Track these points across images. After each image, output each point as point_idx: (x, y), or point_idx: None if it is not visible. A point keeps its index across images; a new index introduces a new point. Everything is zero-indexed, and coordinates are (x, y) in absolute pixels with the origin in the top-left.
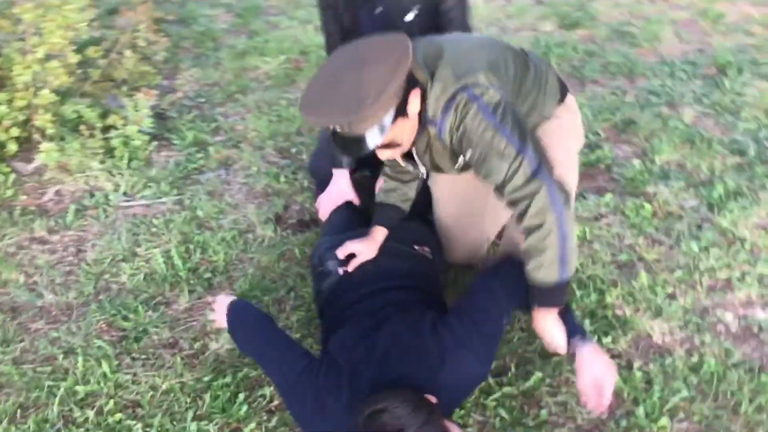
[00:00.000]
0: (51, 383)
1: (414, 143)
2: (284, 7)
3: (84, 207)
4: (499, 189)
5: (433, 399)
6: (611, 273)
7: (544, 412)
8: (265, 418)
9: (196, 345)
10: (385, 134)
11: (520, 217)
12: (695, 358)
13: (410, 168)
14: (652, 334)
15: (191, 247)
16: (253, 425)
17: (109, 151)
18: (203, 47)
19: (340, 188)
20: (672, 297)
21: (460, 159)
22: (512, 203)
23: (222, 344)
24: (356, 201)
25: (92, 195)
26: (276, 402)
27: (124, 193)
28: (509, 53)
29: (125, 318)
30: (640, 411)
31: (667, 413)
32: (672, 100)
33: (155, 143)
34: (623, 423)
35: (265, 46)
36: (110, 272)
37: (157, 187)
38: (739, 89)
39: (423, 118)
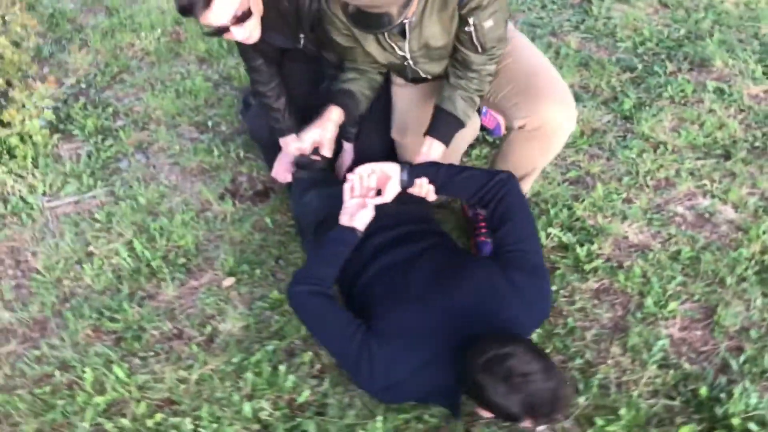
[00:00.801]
0: (61, 402)
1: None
2: None
3: (0, 215)
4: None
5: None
6: (569, 189)
7: (570, 320)
8: (315, 383)
9: (206, 330)
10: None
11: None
12: (672, 248)
13: (396, 48)
14: (627, 235)
15: (152, 235)
16: (307, 393)
17: (9, 152)
18: (60, 30)
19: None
20: (628, 201)
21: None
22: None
23: (232, 324)
24: (317, 158)
25: (5, 201)
26: (319, 365)
27: (44, 194)
28: None
29: (112, 319)
30: (649, 301)
31: (671, 298)
32: (554, 30)
33: (57, 136)
34: (638, 315)
35: (132, 22)
36: (68, 277)
37: (78, 181)
38: (606, 14)
39: None
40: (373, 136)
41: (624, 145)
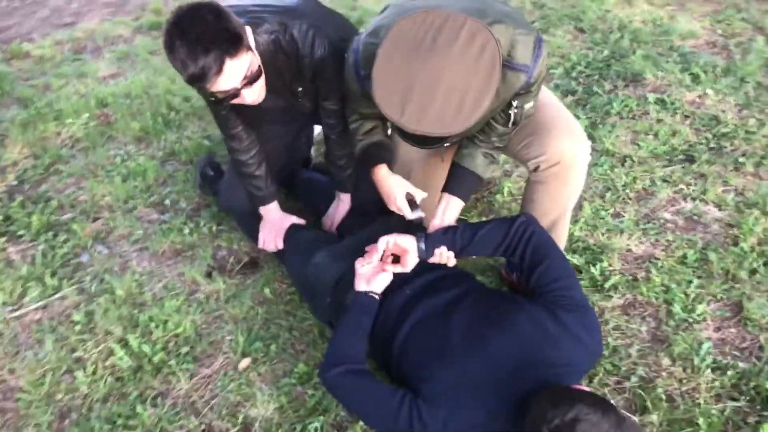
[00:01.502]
0: None
1: None
2: (38, 69)
3: None
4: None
5: (585, 388)
6: None
7: (609, 340)
8: None
9: (238, 420)
10: None
11: None
12: (677, 253)
13: None
14: (630, 247)
15: (145, 327)
16: None
17: None
18: None
19: (277, 217)
20: (617, 215)
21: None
22: None
23: (264, 408)
24: (302, 221)
25: None
26: None
27: (4, 304)
28: None
29: (127, 427)
30: (677, 308)
31: (695, 301)
32: None
33: (2, 240)
34: (671, 323)
35: (52, 110)
36: (60, 390)
37: (40, 284)
38: None
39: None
40: (368, 184)
41: (594, 163)
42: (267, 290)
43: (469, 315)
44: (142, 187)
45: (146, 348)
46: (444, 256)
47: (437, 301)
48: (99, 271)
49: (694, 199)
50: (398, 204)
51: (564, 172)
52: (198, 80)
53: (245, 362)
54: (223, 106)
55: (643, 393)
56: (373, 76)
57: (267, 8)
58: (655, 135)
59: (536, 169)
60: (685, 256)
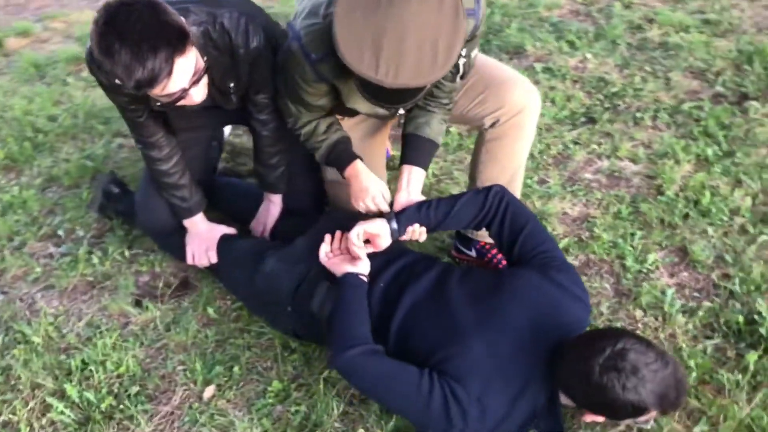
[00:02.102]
0: None
1: None
2: None
3: None
4: None
5: None
6: None
7: None
8: None
9: None
10: None
11: None
12: (612, 209)
13: None
14: (566, 210)
15: (80, 373)
16: None
17: None
18: None
19: (204, 228)
20: (543, 182)
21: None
22: None
23: None
24: (232, 230)
25: None
26: None
27: None
28: None
29: None
30: (629, 262)
31: (644, 252)
32: None
33: None
34: (629, 276)
35: None
36: None
37: None
38: None
39: None
40: (300, 182)
41: None
42: (210, 310)
43: (465, 291)
44: (26, 221)
45: (89, 395)
46: (417, 232)
47: (422, 286)
48: (1, 320)
49: (608, 157)
50: (377, 201)
51: (524, 121)
52: (147, 85)
53: (210, 390)
54: (140, 113)
55: None
56: (337, 38)
57: None
58: (552, 102)
59: (494, 124)
60: (619, 212)
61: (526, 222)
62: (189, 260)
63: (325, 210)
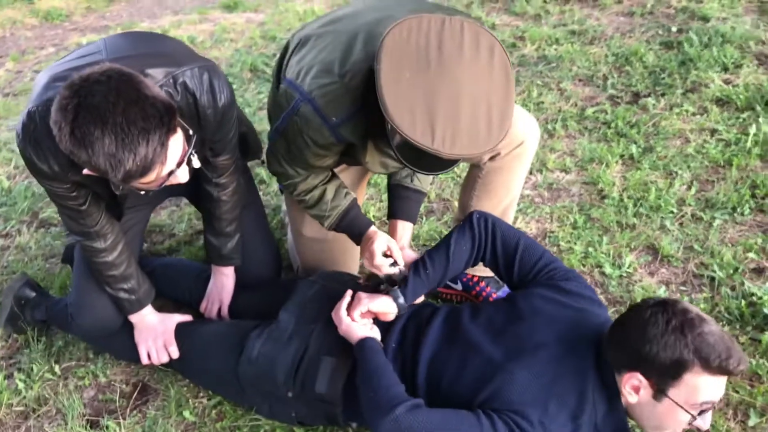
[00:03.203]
0: None
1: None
2: None
3: None
4: None
5: None
6: (436, 225)
7: None
8: None
9: None
10: None
11: None
12: (567, 221)
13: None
14: (524, 229)
15: None
16: None
17: None
18: None
19: (157, 320)
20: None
21: None
22: None
23: None
24: (187, 317)
25: None
26: None
27: None
28: None
29: None
30: (608, 269)
31: (617, 256)
32: None
33: None
34: (613, 282)
35: None
36: None
37: None
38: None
39: None
40: (252, 249)
41: None
42: (186, 413)
43: (483, 329)
44: None
45: None
46: (420, 299)
47: (434, 336)
48: None
49: (539, 171)
50: (377, 263)
51: (523, 152)
52: (138, 176)
53: None
54: (83, 200)
55: None
56: (386, 101)
57: (134, 58)
58: None
59: (494, 157)
60: (575, 222)
61: (517, 239)
62: (144, 360)
63: (281, 276)
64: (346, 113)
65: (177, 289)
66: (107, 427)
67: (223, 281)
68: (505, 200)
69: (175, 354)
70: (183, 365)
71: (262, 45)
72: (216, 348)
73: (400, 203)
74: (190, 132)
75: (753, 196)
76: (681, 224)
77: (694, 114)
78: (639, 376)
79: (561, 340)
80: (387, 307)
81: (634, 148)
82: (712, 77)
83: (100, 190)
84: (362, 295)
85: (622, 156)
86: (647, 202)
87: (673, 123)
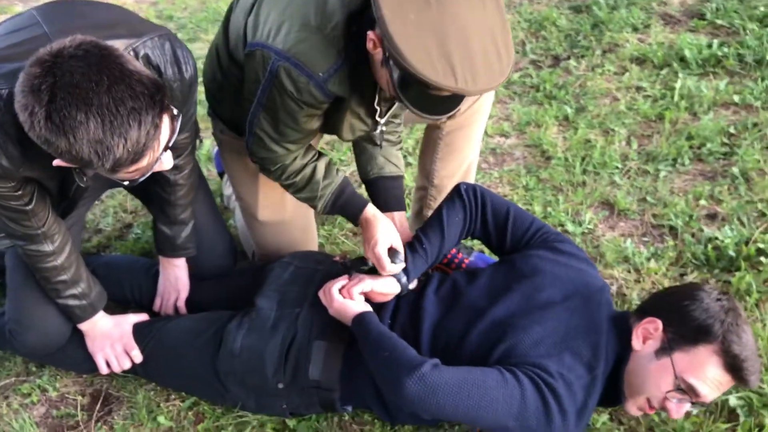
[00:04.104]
0: None
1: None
2: None
3: None
4: None
5: None
6: None
7: None
8: None
9: None
10: None
11: None
12: (519, 184)
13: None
14: None
15: None
16: None
17: None
18: None
19: (111, 324)
20: None
21: None
22: None
23: None
24: (143, 316)
25: None
26: None
27: None
28: None
29: None
30: (570, 227)
31: (575, 214)
32: None
33: None
34: (577, 240)
35: None
36: None
37: None
38: None
39: None
40: (207, 236)
41: None
42: (161, 418)
43: (485, 292)
44: None
45: None
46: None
47: (431, 306)
48: None
49: None
50: (378, 252)
51: (483, 104)
52: (128, 164)
53: None
54: (29, 198)
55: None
56: (401, 51)
57: (86, 29)
58: None
59: (453, 115)
60: (527, 184)
61: (507, 206)
62: (104, 370)
63: (236, 263)
64: (331, 65)
65: (123, 288)
66: None
67: (177, 273)
68: (469, 157)
69: (139, 358)
70: (148, 368)
71: None
72: (187, 345)
73: (387, 195)
74: (175, 111)
75: (690, 147)
76: (629, 178)
77: (615, 73)
78: (658, 323)
79: (568, 296)
80: (391, 287)
81: (567, 109)
82: (626, 37)
83: (52, 185)
84: (364, 276)
85: (557, 117)
86: (593, 159)
87: (598, 83)
